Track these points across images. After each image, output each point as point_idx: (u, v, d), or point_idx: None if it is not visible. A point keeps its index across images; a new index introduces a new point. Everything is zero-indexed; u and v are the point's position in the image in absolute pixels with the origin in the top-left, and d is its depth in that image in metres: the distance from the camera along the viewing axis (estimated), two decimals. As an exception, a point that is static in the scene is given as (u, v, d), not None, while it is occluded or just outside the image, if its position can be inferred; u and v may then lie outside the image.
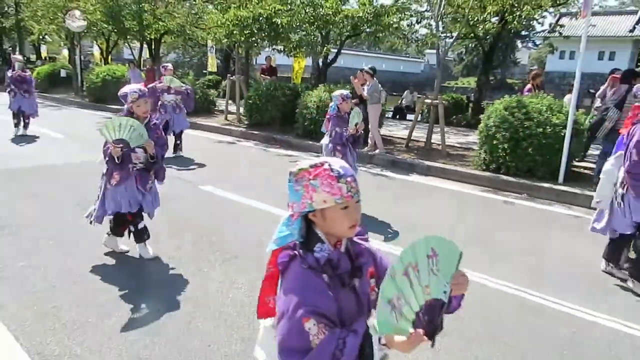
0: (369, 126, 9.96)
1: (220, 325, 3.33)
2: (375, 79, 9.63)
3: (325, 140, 6.15)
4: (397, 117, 18.04)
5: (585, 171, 8.74)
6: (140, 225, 4.39)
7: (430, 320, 1.39)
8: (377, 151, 9.73)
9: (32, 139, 10.41)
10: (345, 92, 6.10)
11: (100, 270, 4.12)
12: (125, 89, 4.24)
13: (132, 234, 4.43)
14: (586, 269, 4.71)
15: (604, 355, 3.23)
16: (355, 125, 5.85)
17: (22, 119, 10.65)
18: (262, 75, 14.63)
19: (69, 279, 3.92)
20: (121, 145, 4.01)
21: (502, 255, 4.95)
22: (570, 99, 8.82)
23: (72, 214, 5.55)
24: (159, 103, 9.04)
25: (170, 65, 9.83)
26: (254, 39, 13.28)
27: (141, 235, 4.42)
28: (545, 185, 7.52)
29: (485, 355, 3.15)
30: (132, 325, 3.27)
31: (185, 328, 3.28)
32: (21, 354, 2.91)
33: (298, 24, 12.56)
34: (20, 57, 11.90)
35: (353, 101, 10.10)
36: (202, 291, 3.83)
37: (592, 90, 10.49)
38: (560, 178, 7.65)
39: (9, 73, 10.63)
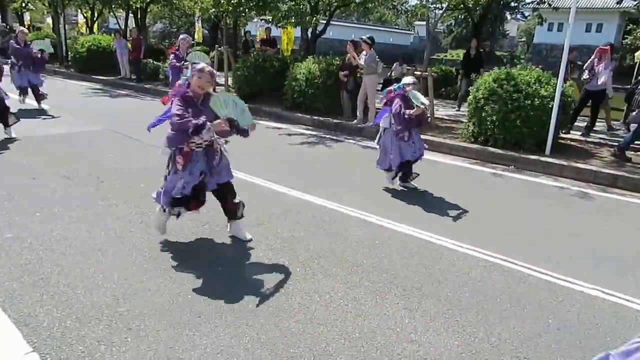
0: (358, 98, 9.91)
1: (209, 297, 3.34)
2: (372, 49, 9.52)
3: (385, 123, 6.01)
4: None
5: (572, 143, 8.82)
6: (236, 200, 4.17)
7: (233, 122, 3.79)
8: (367, 123, 9.69)
9: (15, 110, 10.20)
10: (413, 79, 6.02)
11: (88, 241, 4.09)
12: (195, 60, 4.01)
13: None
14: (571, 239, 4.79)
15: (587, 322, 3.31)
16: (422, 104, 5.65)
17: (29, 92, 10.27)
18: (261, 47, 14.20)
19: (57, 250, 3.89)
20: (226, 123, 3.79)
21: (488, 226, 5.01)
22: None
23: (59, 185, 5.49)
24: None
25: (188, 37, 9.27)
26: (241, 8, 13.02)
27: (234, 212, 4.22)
28: (533, 157, 7.58)
29: (468, 320, 3.22)
30: (121, 297, 3.28)
31: (174, 299, 3.29)
32: (9, 325, 2.90)
33: (286, -7, 12.33)
34: (24, 29, 11.38)
35: (343, 72, 10.12)
36: (191, 263, 3.83)
37: (580, 63, 10.50)
38: (547, 150, 7.71)
39: (15, 45, 10.10)
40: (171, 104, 3.89)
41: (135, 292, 3.36)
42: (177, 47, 9.06)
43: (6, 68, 9.19)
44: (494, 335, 3.09)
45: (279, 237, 4.43)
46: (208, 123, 3.70)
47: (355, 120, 9.95)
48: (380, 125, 6.11)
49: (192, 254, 4.00)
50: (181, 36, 9.40)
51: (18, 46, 10.11)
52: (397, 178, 6.12)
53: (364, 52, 9.54)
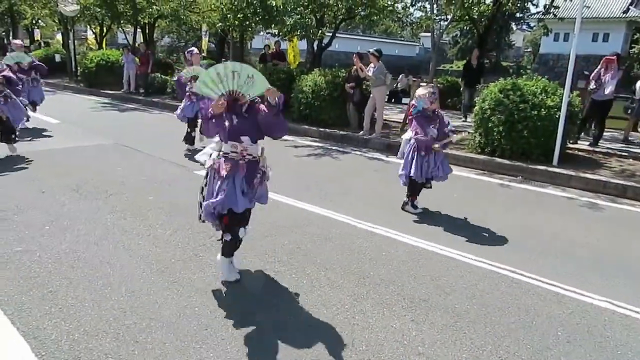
0: (365, 109, 9.93)
1: (216, 310, 3.35)
2: (380, 61, 9.56)
3: (407, 135, 5.68)
4: (392, 100, 17.96)
5: (579, 153, 8.78)
6: (242, 234, 3.68)
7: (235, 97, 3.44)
8: (373, 135, 9.71)
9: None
10: (432, 90, 5.55)
11: (97, 255, 4.12)
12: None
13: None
14: (581, 250, 4.75)
15: (597, 335, 3.27)
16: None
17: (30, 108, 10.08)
18: (273, 61, 14.08)
19: (66, 263, 3.92)
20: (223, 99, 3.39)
21: (496, 237, 4.98)
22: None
23: (67, 198, 5.54)
24: (188, 91, 8.37)
25: (195, 50, 8.97)
26: (248, 22, 13.16)
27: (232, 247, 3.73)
28: (540, 167, 7.55)
29: (476, 333, 3.19)
30: (128, 309, 3.29)
31: (181, 312, 3.30)
32: (18, 338, 2.92)
33: (292, 6, 12.44)
34: (19, 42, 11.26)
35: (349, 85, 10.17)
36: (198, 275, 3.84)
37: (587, 72, 10.47)
38: (555, 160, 7.67)
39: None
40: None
41: (142, 304, 3.36)
42: (191, 63, 8.55)
43: None
44: (502, 348, 3.07)
45: (286, 249, 4.43)
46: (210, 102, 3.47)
47: (361, 132, 9.97)
48: (402, 137, 5.85)
49: (199, 266, 4.01)
50: (193, 51, 8.89)
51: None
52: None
53: (371, 65, 9.58)
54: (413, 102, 5.77)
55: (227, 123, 3.47)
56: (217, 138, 3.64)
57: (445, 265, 4.24)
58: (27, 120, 8.38)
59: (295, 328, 3.18)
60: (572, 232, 5.29)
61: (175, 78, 8.78)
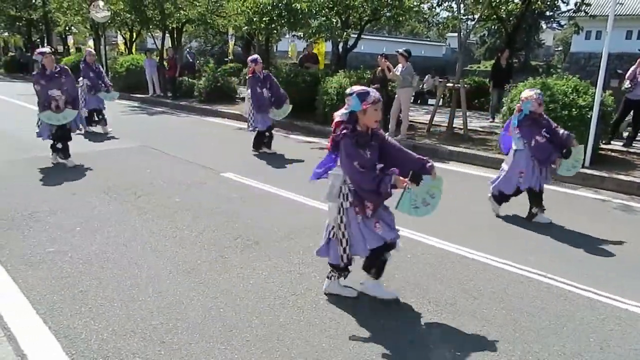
0: (391, 111, 9.86)
1: (241, 311, 3.37)
2: (409, 62, 9.49)
3: (517, 145, 5.32)
4: (419, 101, 17.82)
5: (613, 154, 8.53)
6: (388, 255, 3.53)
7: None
8: (399, 136, 9.64)
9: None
10: (538, 91, 5.28)
11: (126, 255, 4.20)
12: (365, 88, 3.26)
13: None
14: (613, 252, 4.61)
15: (632, 341, 3.16)
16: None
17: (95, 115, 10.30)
18: (305, 64, 13.98)
19: (96, 264, 4.01)
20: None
21: (525, 241, 4.87)
22: None
23: (98, 200, 5.67)
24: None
25: (259, 58, 8.69)
26: (273, 25, 13.23)
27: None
28: (571, 169, 7.35)
29: (504, 338, 3.12)
30: (155, 310, 3.34)
31: (207, 313, 3.33)
32: (49, 336, 3.00)
33: (317, 9, 12.46)
34: (92, 51, 11.15)
35: (374, 86, 10.11)
36: (223, 277, 3.87)
37: (620, 71, 10.18)
38: (587, 161, 7.47)
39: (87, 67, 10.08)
40: (333, 145, 3.36)
41: (168, 305, 3.41)
42: (252, 71, 8.44)
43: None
44: (532, 354, 2.99)
45: (310, 251, 4.40)
46: (393, 176, 3.16)
47: (387, 133, 9.89)
48: (513, 147, 5.46)
49: (224, 268, 4.04)
50: (254, 57, 8.66)
51: (90, 70, 10.12)
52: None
53: (400, 65, 9.49)
54: (518, 105, 5.35)
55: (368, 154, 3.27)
56: (338, 170, 3.41)
57: (472, 268, 4.17)
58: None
59: (319, 330, 3.17)
60: (604, 235, 5.13)
61: (248, 89, 8.48)
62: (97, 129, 10.39)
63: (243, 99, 14.89)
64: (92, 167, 7.26)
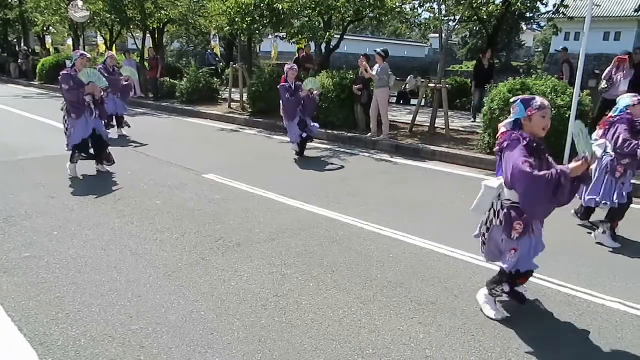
0: (371, 111, 9.88)
1: (222, 314, 3.34)
2: (386, 62, 9.53)
3: (601, 151, 4.72)
4: (401, 102, 17.92)
5: (591, 153, 8.65)
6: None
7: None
8: (381, 136, 9.67)
9: (37, 130, 10.44)
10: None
11: (104, 260, 4.13)
12: (530, 96, 3.11)
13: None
14: (591, 250, 4.68)
15: (608, 336, 3.21)
16: (309, 90, 5.47)
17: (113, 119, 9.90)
18: (306, 65, 13.76)
19: (73, 269, 3.93)
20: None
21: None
22: None
23: (76, 203, 5.58)
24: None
25: (295, 66, 8.47)
26: (256, 26, 13.17)
27: None
28: (551, 168, 7.46)
29: (484, 336, 3.14)
30: (135, 314, 3.29)
31: (188, 316, 3.29)
32: (24, 344, 2.93)
33: (300, 9, 12.44)
34: (113, 54, 10.66)
35: (357, 86, 10.15)
36: (205, 279, 3.84)
37: (597, 72, 10.36)
38: (566, 160, 7.56)
39: (104, 71, 9.40)
40: (503, 151, 3.07)
41: (148, 309, 3.36)
42: (285, 78, 8.26)
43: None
44: (512, 351, 3.02)
45: (293, 252, 4.41)
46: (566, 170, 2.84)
47: (369, 134, 9.94)
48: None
49: (205, 270, 4.00)
50: (288, 66, 8.45)
51: (107, 73, 9.57)
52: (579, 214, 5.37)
53: (377, 65, 9.56)
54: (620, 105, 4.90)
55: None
56: (498, 181, 3.19)
57: (453, 267, 4.20)
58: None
59: (301, 332, 3.16)
60: (583, 233, 5.21)
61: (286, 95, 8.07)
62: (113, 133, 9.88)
63: (225, 99, 14.87)
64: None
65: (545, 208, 3.03)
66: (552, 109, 7.43)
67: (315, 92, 8.25)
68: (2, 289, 3.57)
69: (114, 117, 10.04)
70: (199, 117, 13.53)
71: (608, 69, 9.24)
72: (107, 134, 7.22)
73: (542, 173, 2.82)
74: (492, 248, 3.32)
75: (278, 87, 8.34)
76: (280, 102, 8.38)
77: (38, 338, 2.99)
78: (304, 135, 8.28)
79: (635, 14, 38.13)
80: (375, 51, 9.71)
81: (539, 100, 2.99)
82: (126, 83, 9.84)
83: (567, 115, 7.46)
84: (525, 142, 2.93)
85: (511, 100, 3.11)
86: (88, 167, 7.16)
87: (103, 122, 7.21)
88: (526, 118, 3.01)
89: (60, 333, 3.05)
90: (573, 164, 2.84)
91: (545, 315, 3.45)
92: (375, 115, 9.82)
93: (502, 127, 3.12)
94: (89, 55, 6.85)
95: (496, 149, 3.12)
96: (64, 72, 6.56)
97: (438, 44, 10.89)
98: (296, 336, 3.10)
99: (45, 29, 25.15)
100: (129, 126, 10.33)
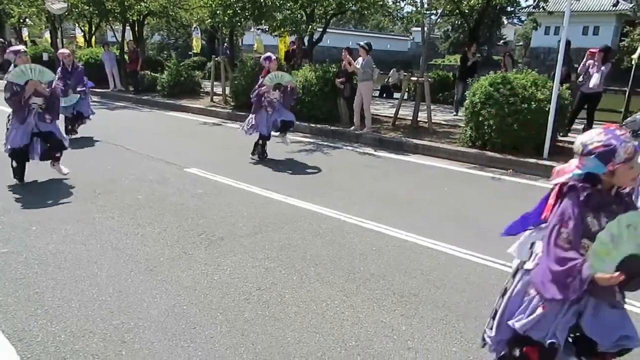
0: (354, 104, 9.90)
1: (205, 308, 3.32)
2: (369, 55, 9.51)
3: None
4: (384, 95, 17.95)
5: (570, 146, 8.79)
6: None
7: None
8: (364, 130, 9.69)
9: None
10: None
11: (84, 255, 4.07)
12: (609, 142, 2.07)
13: None
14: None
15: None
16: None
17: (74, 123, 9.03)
18: (304, 58, 13.24)
19: (52, 264, 3.87)
20: None
21: (487, 231, 4.97)
22: None
23: (56, 199, 5.49)
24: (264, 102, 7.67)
25: (273, 56, 7.90)
26: (237, 18, 13.05)
27: None
28: (531, 160, 7.56)
29: (466, 327, 3.18)
30: (116, 309, 3.26)
31: (170, 311, 3.27)
32: (2, 340, 2.88)
33: (282, 2, 12.35)
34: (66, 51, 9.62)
35: (340, 79, 10.14)
36: (187, 274, 3.81)
37: (576, 65, 10.50)
38: (545, 153, 7.69)
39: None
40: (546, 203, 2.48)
41: (130, 304, 3.33)
42: (267, 70, 7.69)
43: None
44: (492, 341, 3.06)
45: (276, 245, 4.40)
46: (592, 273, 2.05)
47: (352, 127, 9.95)
48: None
49: (187, 264, 3.98)
50: (271, 57, 7.85)
51: (67, 72, 8.93)
52: None
53: (360, 58, 9.55)
54: None
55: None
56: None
57: (435, 259, 4.24)
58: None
59: (284, 324, 3.16)
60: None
61: (254, 92, 7.56)
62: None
63: (207, 92, 14.74)
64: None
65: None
66: (533, 102, 7.58)
67: (289, 86, 7.70)
68: (-22, 286, 3.50)
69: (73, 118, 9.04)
70: (180, 111, 13.40)
71: (582, 62, 9.39)
72: (65, 139, 6.43)
73: (566, 257, 2.13)
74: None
75: (260, 77, 7.80)
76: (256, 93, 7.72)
77: (17, 334, 2.94)
78: (281, 120, 7.70)
79: (613, 9, 38.88)
80: (359, 44, 9.69)
81: (624, 147, 2.06)
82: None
83: (547, 109, 7.56)
84: (585, 198, 2.17)
85: (575, 144, 2.20)
86: (65, 161, 7.05)
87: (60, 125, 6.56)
88: (607, 173, 2.11)
89: (39, 329, 3.01)
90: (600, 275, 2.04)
91: (524, 305, 3.51)
92: (359, 108, 9.83)
93: (561, 178, 2.27)
94: (23, 49, 5.97)
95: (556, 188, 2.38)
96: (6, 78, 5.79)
97: (420, 38, 10.90)
98: (279, 329, 3.11)
99: (21, 20, 24.58)
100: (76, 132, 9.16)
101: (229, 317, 3.22)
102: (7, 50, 6.05)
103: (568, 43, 8.05)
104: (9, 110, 5.96)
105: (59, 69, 8.92)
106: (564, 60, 7.72)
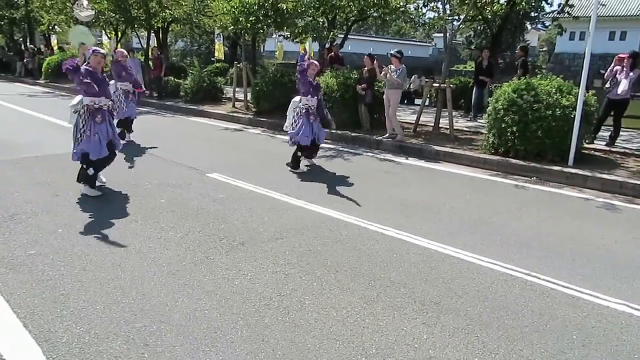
0: (389, 113, 9.68)
1: (226, 312, 3.35)
2: (402, 64, 9.37)
3: None
4: (405, 102, 17.88)
5: (596, 153, 8.64)
6: None
7: None
8: (398, 137, 9.55)
9: (41, 128, 10.48)
10: None
11: (109, 258, 4.14)
12: None
13: None
14: (597, 253, 4.66)
15: (614, 339, 3.20)
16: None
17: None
18: (331, 64, 13.42)
19: (78, 266, 3.95)
20: None
21: (510, 239, 4.91)
22: None
23: (81, 201, 5.59)
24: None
25: (315, 62, 7.59)
26: (259, 25, 13.20)
27: None
28: (555, 168, 7.44)
29: (488, 336, 3.14)
30: (139, 312, 3.30)
31: (191, 315, 3.30)
32: (29, 340, 2.94)
33: (303, 9, 12.46)
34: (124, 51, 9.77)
35: (361, 86, 10.11)
36: (208, 278, 3.84)
37: (602, 71, 10.32)
38: (570, 161, 7.56)
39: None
40: None
41: (152, 307, 3.37)
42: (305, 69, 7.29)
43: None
44: (515, 352, 3.01)
45: (296, 252, 4.41)
46: None
47: (387, 135, 9.76)
48: None
49: (209, 269, 4.01)
50: (309, 61, 7.48)
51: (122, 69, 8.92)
52: None
53: (392, 66, 9.33)
54: None
55: None
56: None
57: (457, 267, 4.19)
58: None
59: (304, 331, 3.16)
60: (587, 233, 5.19)
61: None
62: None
63: (229, 98, 14.89)
64: (75, 168, 7.14)
65: None
66: (558, 109, 7.46)
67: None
68: (7, 286, 3.58)
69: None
70: (202, 116, 13.56)
71: (609, 68, 9.22)
72: (120, 145, 6.28)
73: None
74: None
75: (297, 73, 7.42)
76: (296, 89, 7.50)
77: (43, 335, 3.00)
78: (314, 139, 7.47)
79: (641, 14, 38.06)
80: (391, 53, 9.49)
81: None
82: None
83: (573, 116, 7.44)
84: None
85: None
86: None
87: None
88: None
89: (64, 330, 3.06)
90: None
91: (549, 316, 3.44)
92: (394, 116, 9.54)
93: None
94: (102, 51, 5.88)
95: None
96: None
97: (442, 44, 10.85)
98: (299, 335, 3.11)
99: (50, 27, 25.24)
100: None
101: (250, 322, 3.24)
102: (88, 48, 5.93)
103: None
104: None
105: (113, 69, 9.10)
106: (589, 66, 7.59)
